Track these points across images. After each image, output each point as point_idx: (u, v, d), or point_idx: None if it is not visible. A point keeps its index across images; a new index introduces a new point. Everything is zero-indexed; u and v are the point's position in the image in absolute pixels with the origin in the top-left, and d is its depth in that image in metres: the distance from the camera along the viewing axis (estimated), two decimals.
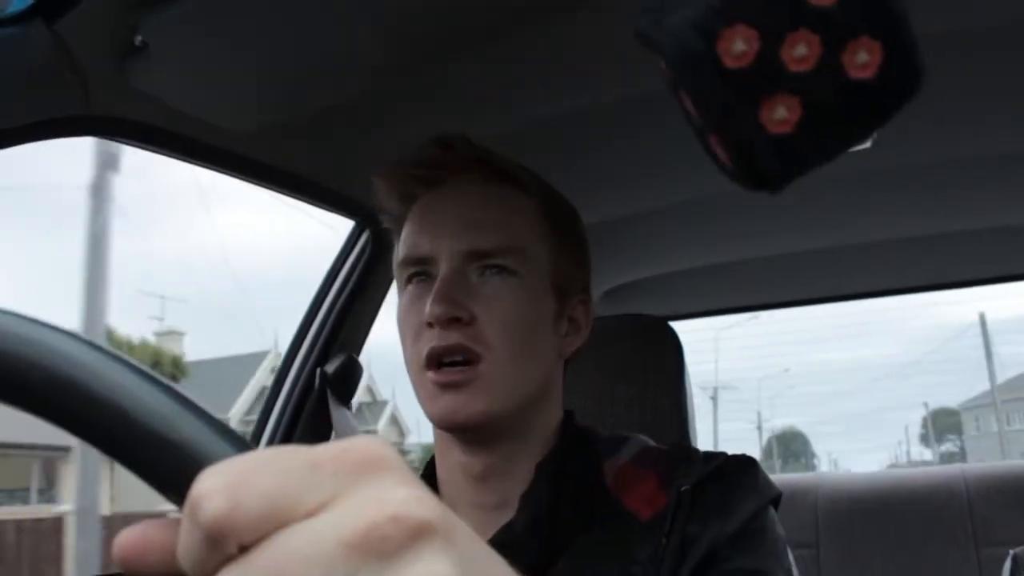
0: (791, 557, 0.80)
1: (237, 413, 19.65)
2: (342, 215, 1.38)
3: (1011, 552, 1.42)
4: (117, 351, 0.28)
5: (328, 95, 1.04)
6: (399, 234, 0.87)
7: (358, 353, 1.42)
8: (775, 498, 0.81)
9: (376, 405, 23.88)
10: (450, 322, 0.77)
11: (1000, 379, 28.69)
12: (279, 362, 1.50)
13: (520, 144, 1.18)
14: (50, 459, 15.49)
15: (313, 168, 1.24)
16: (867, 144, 0.55)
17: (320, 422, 1.35)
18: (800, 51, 0.38)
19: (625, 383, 1.15)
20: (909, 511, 1.85)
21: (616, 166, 1.38)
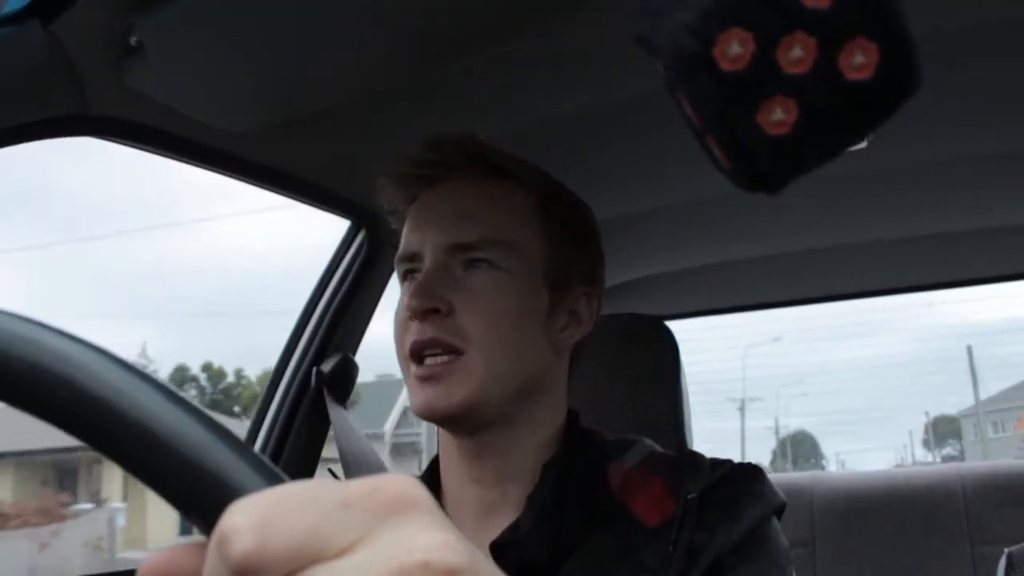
0: (791, 567, 0.80)
1: (389, 429, 23.05)
2: (338, 215, 1.38)
3: (1006, 550, 1.42)
4: (148, 371, 0.28)
5: (325, 95, 1.04)
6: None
7: (354, 353, 1.42)
8: (779, 507, 0.81)
9: None
10: (427, 314, 0.78)
11: (995, 390, 31.67)
12: None
13: (519, 144, 1.18)
14: None
15: (310, 168, 1.24)
16: (863, 144, 0.55)
17: (316, 422, 1.35)
18: (796, 53, 0.38)
19: (621, 382, 1.15)
20: (905, 510, 1.85)
21: (615, 166, 1.38)
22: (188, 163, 1.09)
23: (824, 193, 1.49)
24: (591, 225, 0.91)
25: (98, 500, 17.31)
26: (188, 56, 0.91)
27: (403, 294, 0.84)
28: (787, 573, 0.78)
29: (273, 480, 0.26)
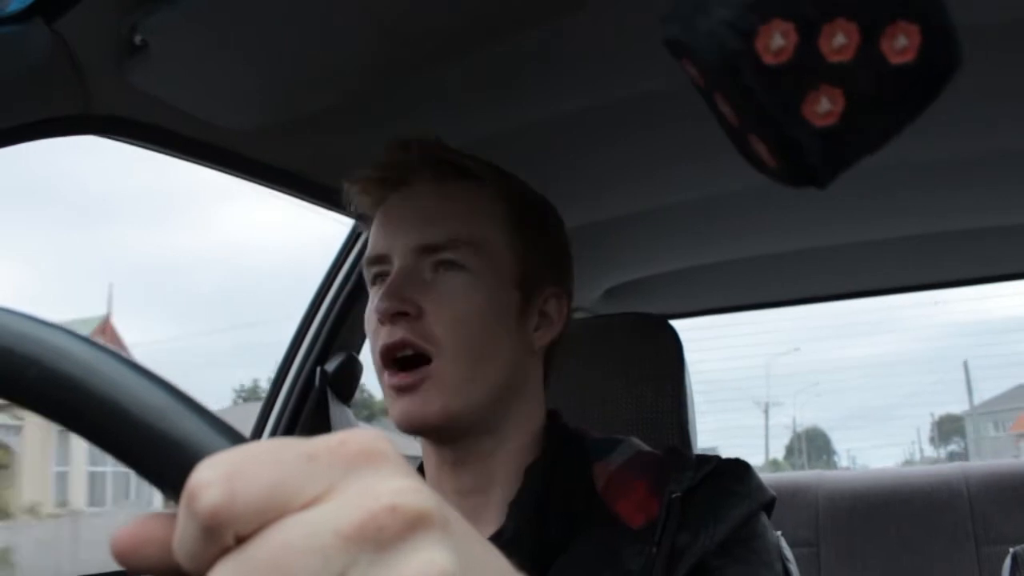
0: (790, 560, 0.79)
1: None
2: (342, 213, 1.38)
3: (1011, 550, 1.42)
4: (111, 346, 0.28)
5: (328, 94, 1.04)
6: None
7: (358, 352, 1.42)
8: (768, 503, 0.79)
9: None
10: (396, 317, 0.77)
11: (1001, 389, 32.73)
12: None
13: (520, 144, 1.18)
14: None
15: (312, 166, 1.24)
16: None
17: (320, 421, 1.35)
18: (839, 41, 0.38)
19: (624, 381, 1.15)
20: (910, 509, 1.85)
21: (617, 165, 1.37)
22: (191, 162, 1.09)
23: (828, 192, 1.49)
24: (558, 224, 0.90)
25: None
26: (191, 55, 0.91)
27: (372, 298, 0.83)
28: (776, 571, 0.76)
29: (238, 441, 0.26)
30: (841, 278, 2.02)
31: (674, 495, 0.77)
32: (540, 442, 0.84)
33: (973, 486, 1.84)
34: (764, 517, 0.79)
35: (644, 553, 0.74)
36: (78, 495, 16.89)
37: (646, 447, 0.85)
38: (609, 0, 0.91)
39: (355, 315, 1.40)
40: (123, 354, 0.28)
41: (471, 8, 0.90)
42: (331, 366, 1.36)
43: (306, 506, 0.23)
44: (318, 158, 1.23)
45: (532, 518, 0.77)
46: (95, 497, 17.40)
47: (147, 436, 0.26)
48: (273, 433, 1.36)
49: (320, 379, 1.35)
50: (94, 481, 17.50)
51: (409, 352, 0.77)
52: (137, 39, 0.86)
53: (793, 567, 0.79)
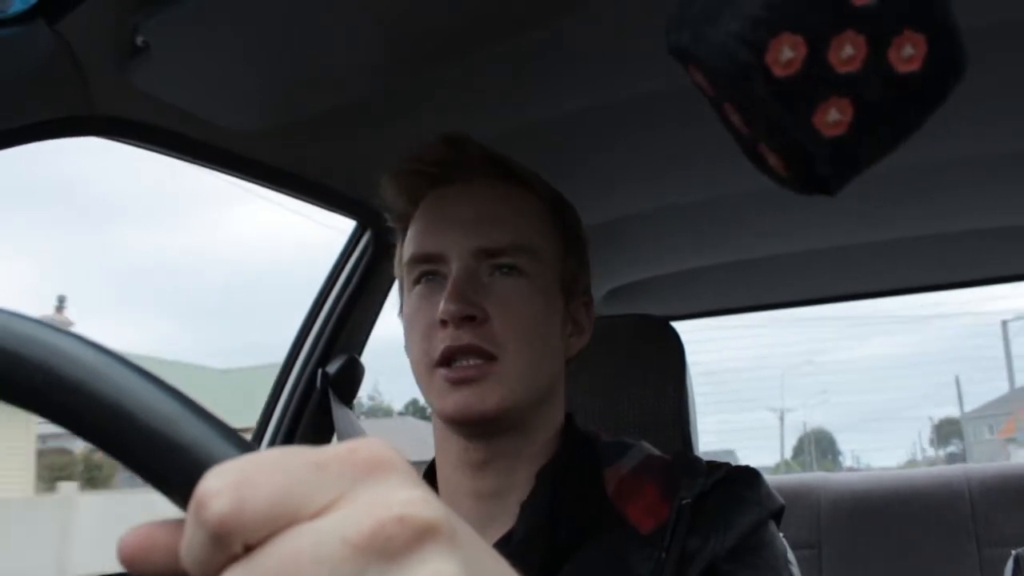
0: (793, 564, 0.79)
1: None
2: (344, 215, 1.38)
3: (1013, 552, 1.42)
4: (119, 353, 0.28)
5: (330, 95, 1.04)
6: (404, 233, 0.87)
7: (360, 354, 1.42)
8: (777, 511, 0.80)
9: None
10: (464, 320, 0.77)
11: (990, 397, 34.77)
12: None
13: (521, 145, 1.18)
14: None
15: (315, 168, 1.24)
16: None
17: (322, 423, 1.35)
18: (847, 52, 0.38)
19: (626, 383, 1.15)
20: (911, 511, 1.85)
21: (619, 166, 1.37)
22: (194, 163, 1.09)
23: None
24: (585, 234, 0.91)
25: None
26: (194, 56, 0.91)
27: (415, 296, 0.83)
28: None
29: (246, 449, 0.26)
30: (845, 280, 2.02)
31: (685, 501, 0.77)
32: (555, 444, 0.84)
33: (975, 488, 1.83)
34: (773, 525, 0.80)
35: (653, 558, 0.75)
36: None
37: (656, 451, 0.86)
38: (610, 0, 0.91)
39: (356, 317, 1.40)
40: (130, 361, 0.28)
41: (472, 8, 0.90)
42: (333, 368, 1.36)
43: (315, 515, 0.23)
44: (321, 159, 1.23)
45: (543, 520, 0.77)
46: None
47: (155, 442, 0.26)
48: (274, 434, 1.36)
49: (322, 381, 1.35)
50: None
51: (471, 356, 0.77)
52: (139, 40, 0.86)
53: (796, 571, 0.79)
